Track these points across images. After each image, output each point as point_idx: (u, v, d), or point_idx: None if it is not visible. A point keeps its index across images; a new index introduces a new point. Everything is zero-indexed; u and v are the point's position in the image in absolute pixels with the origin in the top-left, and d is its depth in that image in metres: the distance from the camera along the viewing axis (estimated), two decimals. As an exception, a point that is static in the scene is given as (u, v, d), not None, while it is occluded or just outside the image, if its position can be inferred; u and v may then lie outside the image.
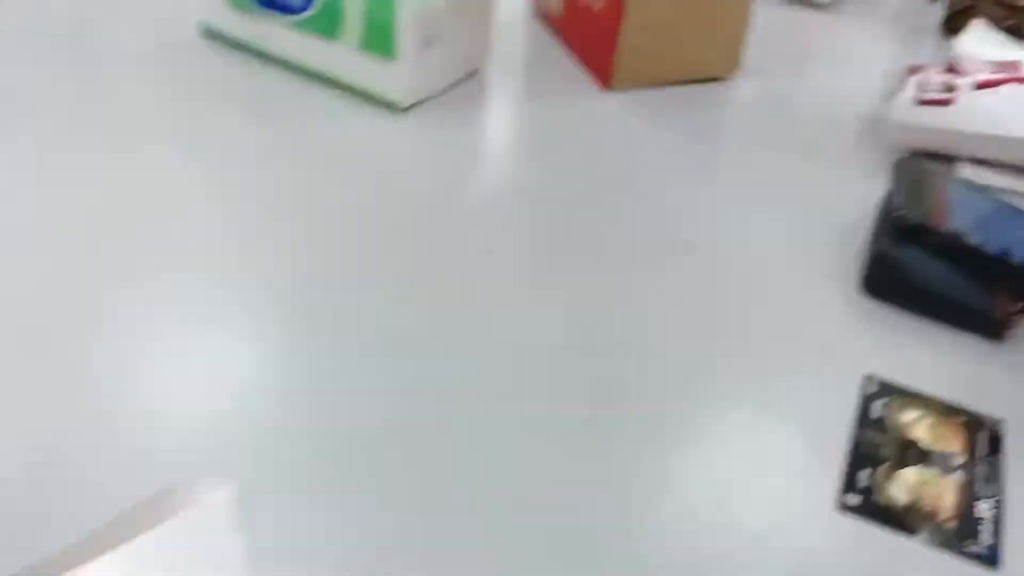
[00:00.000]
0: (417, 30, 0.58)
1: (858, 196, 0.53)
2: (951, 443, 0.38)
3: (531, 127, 0.63)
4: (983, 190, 0.51)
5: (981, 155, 0.57)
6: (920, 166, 0.51)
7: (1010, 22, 0.74)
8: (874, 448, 0.38)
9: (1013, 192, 0.55)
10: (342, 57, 0.60)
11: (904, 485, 0.36)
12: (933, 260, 0.45)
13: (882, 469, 0.37)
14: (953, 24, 0.78)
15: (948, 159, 0.58)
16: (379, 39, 0.58)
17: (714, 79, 0.68)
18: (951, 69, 0.59)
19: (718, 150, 0.61)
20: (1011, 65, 0.58)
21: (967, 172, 0.56)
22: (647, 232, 0.51)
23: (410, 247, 0.48)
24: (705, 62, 0.67)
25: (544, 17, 0.76)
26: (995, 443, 0.39)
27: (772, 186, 0.57)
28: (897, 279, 0.46)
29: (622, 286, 0.47)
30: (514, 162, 0.58)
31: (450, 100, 0.63)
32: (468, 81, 0.66)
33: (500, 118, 0.64)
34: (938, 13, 0.81)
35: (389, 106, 0.60)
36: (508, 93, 0.66)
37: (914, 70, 0.60)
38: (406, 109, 0.60)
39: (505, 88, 0.67)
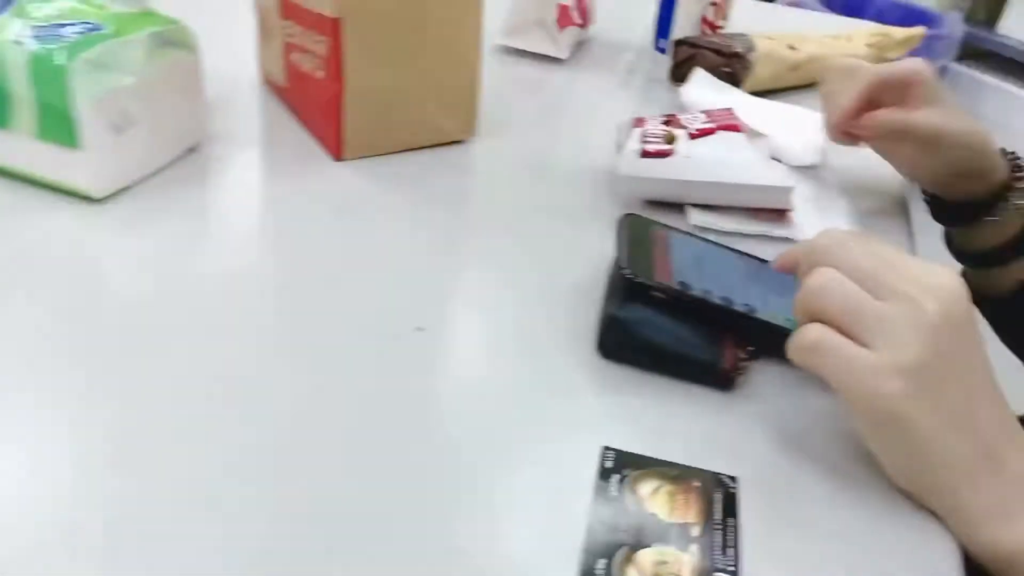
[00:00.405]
0: (101, 115, 0.51)
1: (597, 254, 0.52)
2: (688, 513, 0.37)
3: (256, 204, 0.58)
4: (706, 239, 0.51)
5: (704, 201, 0.58)
6: (643, 221, 0.51)
7: (727, 69, 0.79)
8: (611, 532, 0.36)
9: (740, 234, 0.57)
10: (20, 147, 0.52)
11: (641, 570, 0.34)
12: (661, 317, 0.45)
13: (619, 556, 0.35)
14: (679, 73, 0.81)
15: (678, 207, 0.59)
16: (56, 127, 0.51)
17: (452, 142, 0.67)
18: (669, 121, 0.60)
19: (456, 216, 0.59)
20: (723, 113, 0.61)
21: (696, 218, 0.57)
22: (378, 313, 0.47)
23: (113, 349, 0.41)
24: (439, 126, 0.65)
25: (272, 85, 0.71)
26: (730, 504, 0.38)
27: (510, 250, 0.55)
28: (628, 340, 0.44)
29: (345, 376, 0.42)
30: (234, 245, 0.53)
31: (161, 183, 0.57)
32: (184, 160, 0.60)
33: (221, 198, 0.58)
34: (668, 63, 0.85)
35: (85, 198, 0.53)
36: (231, 169, 0.61)
37: (638, 122, 0.61)
38: (103, 200, 0.53)
39: (228, 164, 0.61)
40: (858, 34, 0.91)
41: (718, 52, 0.79)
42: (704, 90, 0.75)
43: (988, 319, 0.73)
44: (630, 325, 0.44)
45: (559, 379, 0.44)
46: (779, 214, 0.59)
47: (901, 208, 0.67)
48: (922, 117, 0.58)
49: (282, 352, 0.44)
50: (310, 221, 0.56)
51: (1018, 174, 0.61)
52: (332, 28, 0.57)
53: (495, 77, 0.81)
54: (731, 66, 0.78)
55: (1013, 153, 0.62)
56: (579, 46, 0.90)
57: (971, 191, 0.61)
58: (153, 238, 0.52)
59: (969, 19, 2.47)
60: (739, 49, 0.78)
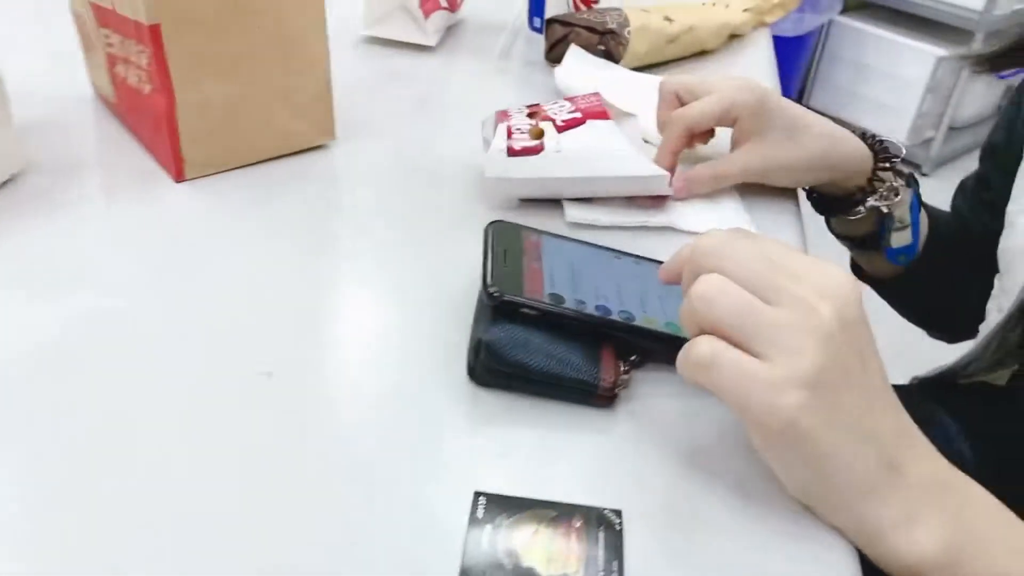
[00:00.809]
0: None
1: (470, 265, 0.48)
2: (568, 559, 0.33)
3: (86, 239, 0.51)
4: (581, 241, 0.48)
5: (579, 195, 0.55)
6: (511, 228, 0.46)
7: (602, 47, 0.75)
8: (484, 594, 0.32)
9: (618, 227, 0.54)
10: None
11: (516, 640, 0.30)
12: (533, 335, 0.41)
13: (492, 624, 0.31)
14: (554, 54, 0.77)
15: (556, 202, 0.55)
16: None
17: (310, 148, 0.61)
18: (534, 112, 0.56)
19: (314, 233, 0.53)
20: (590, 99, 0.57)
21: (571, 215, 0.54)
22: (229, 354, 0.42)
23: None
24: (290, 132, 0.59)
25: (104, 100, 0.64)
26: (615, 544, 0.34)
27: (376, 268, 0.51)
28: (499, 365, 0.40)
29: (197, 424, 0.37)
30: (61, 289, 0.46)
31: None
32: (1, 192, 0.53)
33: (42, 237, 0.51)
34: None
35: None
36: (56, 201, 0.54)
37: (502, 116, 0.57)
38: None
39: (52, 196, 0.54)
40: None
41: (591, 30, 0.76)
42: (581, 68, 0.72)
43: (883, 296, 0.72)
44: (499, 349, 0.40)
45: (430, 413, 0.40)
46: (657, 201, 0.55)
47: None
48: (738, 167, 0.56)
49: (123, 404, 0.38)
50: (149, 254, 0.50)
51: (884, 156, 0.60)
52: (151, 36, 0.51)
53: (359, 71, 0.76)
54: (606, 43, 0.75)
55: (874, 137, 0.60)
56: (449, 31, 0.85)
57: (838, 187, 0.60)
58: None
59: (850, -29, 2.51)
60: (612, 26, 0.75)
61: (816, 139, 0.56)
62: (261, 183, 0.57)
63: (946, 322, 0.75)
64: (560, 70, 0.71)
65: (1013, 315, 0.57)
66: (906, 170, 0.61)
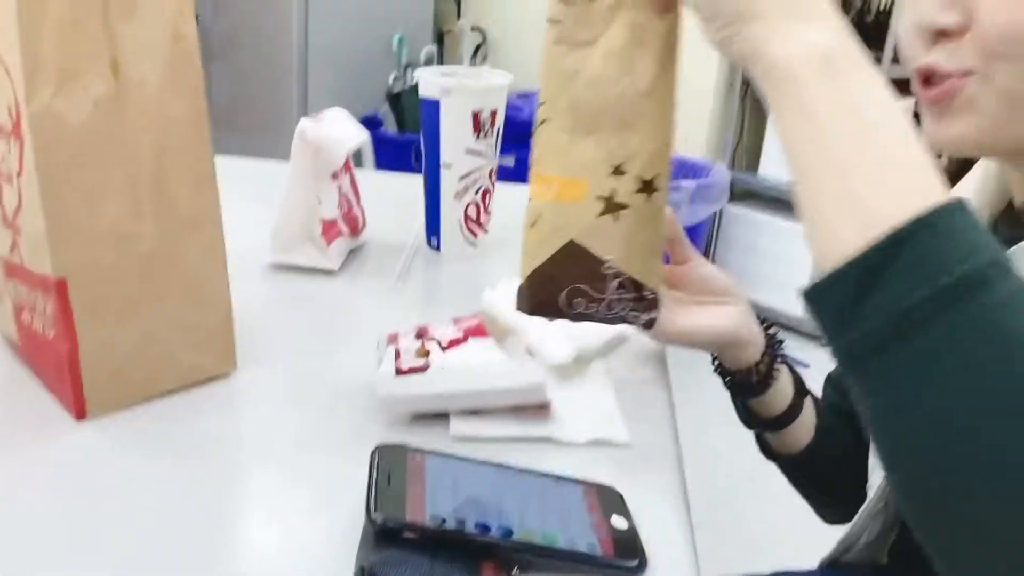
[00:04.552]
0: None
1: (359, 487, 0.50)
2: None
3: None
4: (462, 458, 0.51)
5: (465, 408, 0.59)
6: (397, 451, 0.50)
7: None
8: None
9: (501, 439, 0.57)
10: None
11: None
12: (415, 558, 0.43)
13: None
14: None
15: (445, 416, 0.59)
16: None
17: (212, 378, 0.64)
18: (421, 334, 0.61)
19: (213, 464, 0.55)
20: (471, 319, 0.63)
21: (456, 429, 0.57)
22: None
23: None
24: (192, 366, 0.63)
25: (10, 345, 0.66)
26: None
27: (273, 494, 0.52)
28: (382, 591, 0.42)
29: None
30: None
31: None
32: None
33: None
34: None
35: None
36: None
37: (392, 338, 0.62)
38: None
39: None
40: None
41: None
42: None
43: (786, 475, 0.77)
44: (380, 574, 0.42)
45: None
46: (540, 410, 0.60)
47: (662, 371, 0.70)
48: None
49: None
50: (49, 495, 0.51)
51: (774, 343, 0.66)
52: (56, 289, 0.55)
53: (265, 296, 0.81)
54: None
55: (767, 324, 0.67)
56: (352, 253, 0.92)
57: (744, 360, 0.64)
58: None
59: (734, 166, 2.78)
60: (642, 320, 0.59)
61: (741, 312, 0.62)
62: (162, 416, 0.59)
63: (845, 501, 0.79)
64: (489, 293, 0.75)
65: (877, 497, 0.61)
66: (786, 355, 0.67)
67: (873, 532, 0.64)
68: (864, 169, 0.35)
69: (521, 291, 0.55)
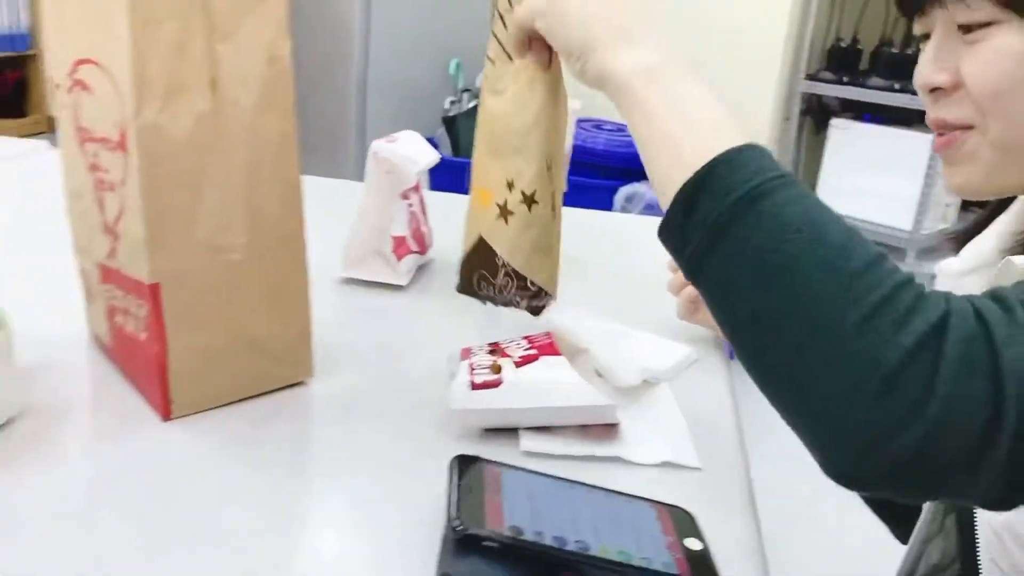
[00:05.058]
0: None
1: (436, 498, 0.51)
2: None
3: (72, 482, 0.54)
4: (538, 473, 0.52)
5: (535, 424, 0.60)
6: (474, 461, 0.51)
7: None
8: None
9: (570, 456, 0.58)
10: None
11: None
12: (495, 568, 0.44)
13: None
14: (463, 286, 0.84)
15: (514, 431, 0.60)
16: None
17: (290, 386, 0.66)
18: (494, 350, 0.63)
19: (291, 469, 0.57)
20: (543, 337, 0.64)
21: (526, 444, 0.58)
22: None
23: None
24: (272, 373, 0.65)
25: (99, 344, 0.69)
26: None
27: (347, 503, 0.54)
28: (461, 597, 0.43)
29: None
30: (43, 540, 0.49)
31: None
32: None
33: (30, 480, 0.54)
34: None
35: None
36: (47, 445, 0.57)
37: (465, 353, 0.63)
38: None
39: (44, 439, 0.58)
40: None
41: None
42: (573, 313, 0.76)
43: (861, 496, 0.77)
44: (462, 582, 0.43)
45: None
46: (608, 430, 0.60)
47: (728, 394, 0.70)
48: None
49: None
50: (134, 491, 0.53)
51: None
52: (151, 293, 0.57)
53: (336, 309, 0.83)
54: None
55: None
56: (420, 270, 0.94)
57: None
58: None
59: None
60: (523, 307, 0.69)
61: None
62: (242, 420, 0.62)
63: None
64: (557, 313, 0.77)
65: (928, 520, 0.61)
66: None
67: (932, 558, 0.63)
68: (683, 131, 0.46)
69: (458, 273, 0.71)
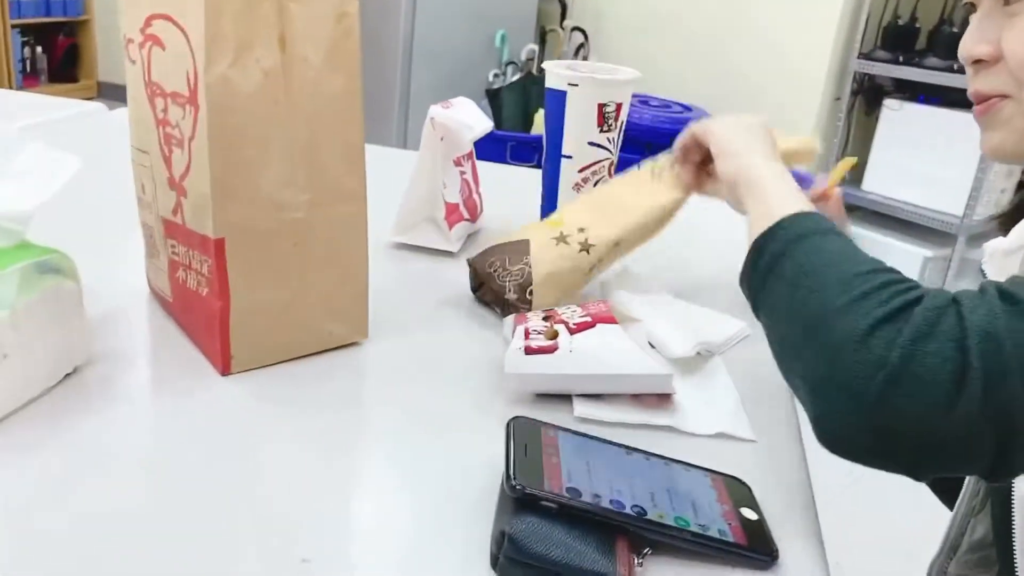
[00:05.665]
0: (-33, 352, 0.50)
1: (490, 457, 0.52)
2: None
3: (139, 429, 0.56)
4: (595, 437, 0.52)
5: (589, 391, 0.60)
6: (531, 423, 0.51)
7: (498, 309, 0.73)
8: None
9: (623, 424, 0.58)
10: None
11: None
12: (552, 527, 0.44)
13: None
14: (480, 293, 0.83)
15: (567, 397, 0.60)
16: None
17: (345, 346, 0.67)
18: (549, 316, 0.63)
19: (347, 425, 0.58)
20: (599, 305, 0.63)
21: (579, 410, 0.58)
22: (266, 540, 0.45)
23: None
24: (329, 333, 0.66)
25: (159, 299, 0.71)
26: None
27: (402, 459, 0.55)
28: (521, 556, 0.44)
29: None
30: (115, 478, 0.50)
31: (36, 413, 0.55)
32: (64, 384, 0.58)
33: (101, 425, 0.56)
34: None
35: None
36: (113, 392, 0.59)
37: (520, 318, 0.63)
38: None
39: (110, 386, 0.60)
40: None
41: (497, 292, 0.73)
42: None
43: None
44: (521, 541, 0.44)
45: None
46: (662, 400, 0.60)
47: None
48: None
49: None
50: (196, 442, 0.54)
51: None
52: (215, 248, 0.58)
53: (388, 273, 0.83)
54: (505, 311, 0.73)
55: None
56: (470, 238, 0.94)
57: None
58: (27, 478, 0.49)
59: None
60: (511, 295, 0.72)
61: None
62: (299, 377, 0.63)
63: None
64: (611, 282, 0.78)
65: (971, 495, 0.61)
66: None
67: (976, 534, 0.63)
68: (771, 203, 0.57)
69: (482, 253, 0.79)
